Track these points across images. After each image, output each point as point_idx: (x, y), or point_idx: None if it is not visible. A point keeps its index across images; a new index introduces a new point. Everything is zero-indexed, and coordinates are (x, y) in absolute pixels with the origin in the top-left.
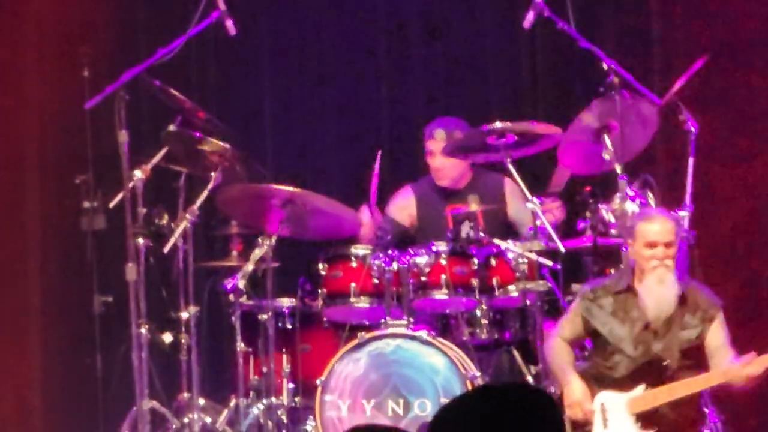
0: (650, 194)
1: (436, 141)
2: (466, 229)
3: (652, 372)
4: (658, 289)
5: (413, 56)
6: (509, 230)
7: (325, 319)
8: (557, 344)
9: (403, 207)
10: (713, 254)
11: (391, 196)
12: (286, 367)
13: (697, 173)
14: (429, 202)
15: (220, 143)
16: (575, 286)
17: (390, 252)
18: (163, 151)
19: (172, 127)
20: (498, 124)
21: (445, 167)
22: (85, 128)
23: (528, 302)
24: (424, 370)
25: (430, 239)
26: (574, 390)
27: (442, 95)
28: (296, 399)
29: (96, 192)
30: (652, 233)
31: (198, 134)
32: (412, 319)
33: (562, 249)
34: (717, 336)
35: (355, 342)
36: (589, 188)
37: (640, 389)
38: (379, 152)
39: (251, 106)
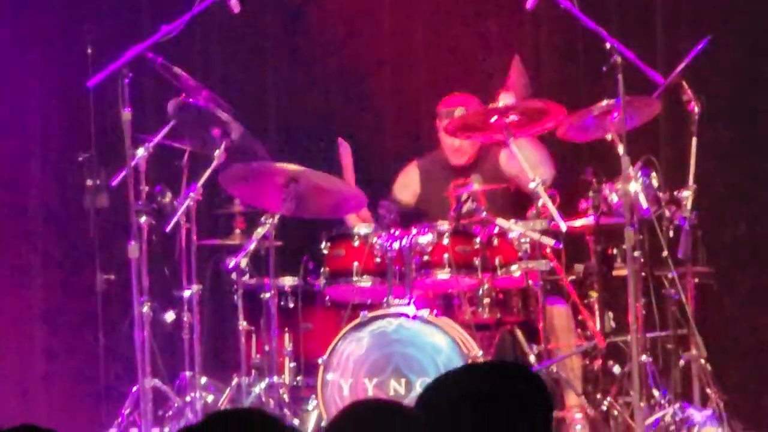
0: (653, 174)
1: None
2: (468, 208)
3: None
4: None
5: (417, 36)
6: (512, 209)
7: (327, 298)
8: None
9: (407, 184)
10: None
11: (397, 174)
12: (288, 346)
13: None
14: (433, 177)
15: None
16: (577, 266)
17: (393, 231)
18: (165, 129)
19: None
20: (501, 103)
21: (464, 146)
22: (88, 106)
23: (530, 282)
24: (426, 349)
25: (432, 215)
26: None
27: (444, 75)
28: (298, 378)
29: (99, 170)
30: None
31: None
32: (414, 298)
33: (564, 228)
34: None
35: (357, 321)
36: (592, 168)
37: None
38: (339, 140)
39: (255, 84)
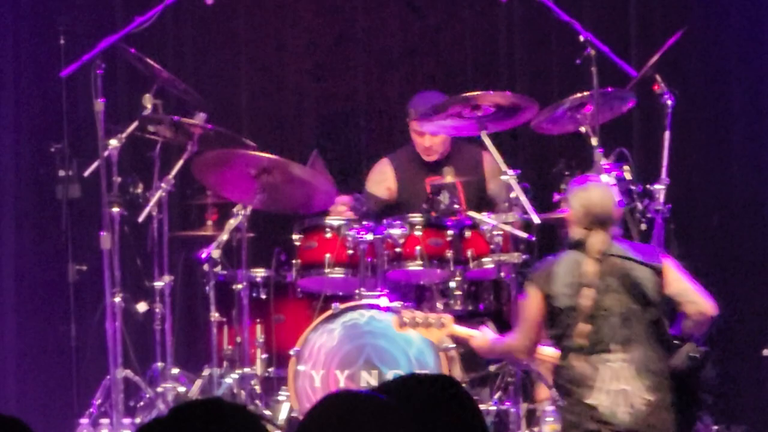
0: (626, 167)
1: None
2: (443, 201)
3: None
4: None
5: (391, 28)
6: (485, 202)
7: (299, 289)
8: None
9: (381, 180)
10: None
11: (369, 171)
12: (260, 337)
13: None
14: (408, 173)
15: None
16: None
17: (365, 223)
18: (136, 123)
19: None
20: (473, 93)
21: (435, 144)
22: (60, 97)
23: (502, 274)
24: (397, 341)
25: (410, 210)
26: None
27: (419, 68)
28: (270, 369)
29: (71, 161)
30: None
31: (174, 118)
32: (386, 290)
33: (537, 221)
34: None
35: (329, 313)
36: (564, 161)
37: None
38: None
39: (228, 75)
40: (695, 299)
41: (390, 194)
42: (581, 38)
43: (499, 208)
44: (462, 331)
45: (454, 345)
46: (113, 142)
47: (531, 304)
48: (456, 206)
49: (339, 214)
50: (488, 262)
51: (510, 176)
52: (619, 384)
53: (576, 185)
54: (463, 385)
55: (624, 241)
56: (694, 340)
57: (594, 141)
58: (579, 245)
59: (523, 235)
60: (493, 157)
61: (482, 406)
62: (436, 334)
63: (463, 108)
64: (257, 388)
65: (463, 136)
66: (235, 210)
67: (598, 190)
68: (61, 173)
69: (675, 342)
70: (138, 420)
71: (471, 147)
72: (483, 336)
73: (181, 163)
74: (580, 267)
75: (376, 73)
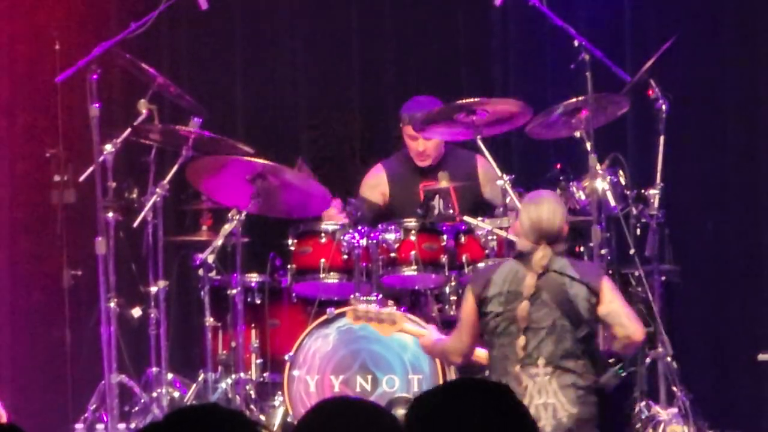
0: (621, 172)
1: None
2: (437, 206)
3: None
4: None
5: (385, 32)
6: (479, 207)
7: (294, 294)
8: None
9: (375, 185)
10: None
11: (364, 176)
12: (255, 342)
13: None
14: (401, 178)
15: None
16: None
17: (359, 228)
18: (130, 129)
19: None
20: (468, 101)
21: (428, 148)
22: (56, 102)
23: None
24: (392, 346)
25: (403, 216)
26: None
27: (413, 71)
28: (264, 374)
29: (66, 165)
30: None
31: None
32: (381, 295)
33: None
34: None
35: (324, 318)
36: (559, 166)
37: None
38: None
39: (223, 80)
40: (624, 323)
41: (384, 199)
42: (576, 43)
43: (498, 211)
44: (412, 329)
45: None
46: (108, 148)
47: (466, 307)
48: (450, 211)
49: (330, 218)
50: None
51: (504, 181)
52: (544, 398)
53: (528, 199)
54: None
55: (567, 256)
56: (624, 360)
57: (589, 146)
58: (522, 256)
59: (517, 239)
60: (486, 161)
61: None
62: (387, 330)
63: (458, 113)
64: (252, 393)
65: (456, 141)
66: (229, 215)
67: (548, 206)
68: (56, 178)
69: (609, 361)
70: (133, 425)
71: (464, 151)
72: (428, 335)
73: (176, 168)
74: (516, 277)
75: (370, 77)
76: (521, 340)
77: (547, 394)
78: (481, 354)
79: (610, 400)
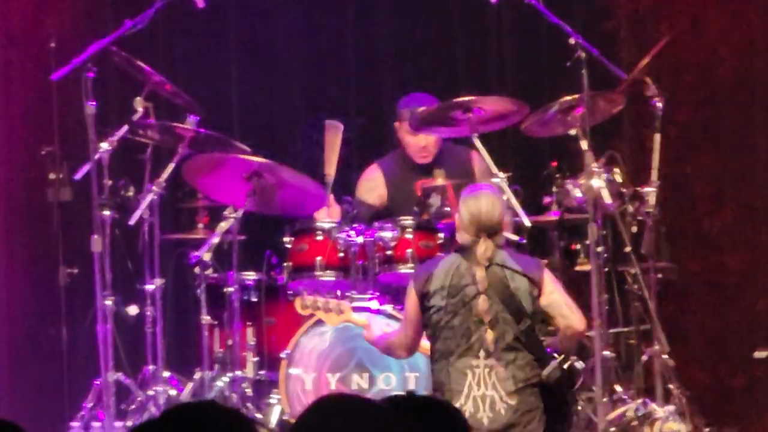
0: (616, 170)
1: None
2: (434, 203)
3: None
4: None
5: (381, 30)
6: None
7: (290, 292)
8: None
9: (372, 188)
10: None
11: (359, 177)
12: (251, 340)
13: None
14: (398, 177)
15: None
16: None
17: (356, 226)
18: (126, 127)
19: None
20: (465, 99)
21: (430, 144)
22: (51, 100)
23: None
24: None
25: (401, 214)
26: None
27: (409, 69)
28: (261, 372)
29: (62, 163)
30: None
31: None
32: (377, 293)
33: (528, 223)
34: None
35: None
36: (555, 163)
37: None
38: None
39: (219, 78)
40: (565, 313)
41: (381, 200)
42: (571, 41)
43: None
44: (358, 319)
45: None
46: (104, 145)
47: (409, 302)
48: (447, 209)
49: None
50: None
51: (501, 179)
52: (482, 389)
53: (467, 193)
54: None
55: (507, 249)
56: (568, 353)
57: (584, 143)
58: (463, 250)
59: (514, 237)
60: (482, 157)
61: None
62: (334, 319)
63: (454, 111)
64: (248, 391)
65: (452, 137)
66: (226, 213)
67: (487, 199)
68: (52, 176)
69: (553, 354)
70: (129, 423)
71: (459, 148)
72: (373, 329)
73: (172, 165)
74: (458, 271)
75: (366, 76)
76: (489, 335)
77: (486, 386)
78: (426, 346)
79: (553, 393)
